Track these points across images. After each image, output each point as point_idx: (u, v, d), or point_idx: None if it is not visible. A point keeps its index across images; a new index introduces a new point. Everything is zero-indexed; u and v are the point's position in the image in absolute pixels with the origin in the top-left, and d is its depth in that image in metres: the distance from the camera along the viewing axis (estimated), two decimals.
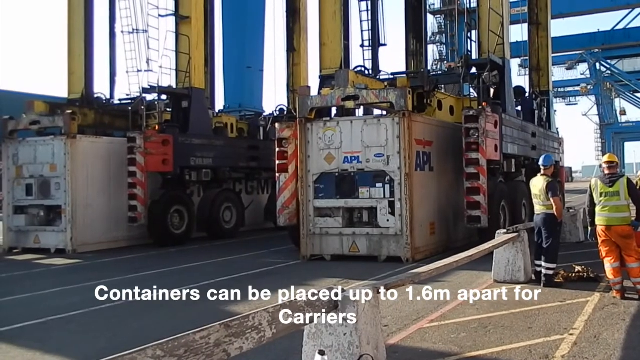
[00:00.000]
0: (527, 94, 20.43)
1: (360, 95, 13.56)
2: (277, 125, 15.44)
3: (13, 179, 17.39)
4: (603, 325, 7.28)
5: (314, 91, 15.47)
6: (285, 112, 23.06)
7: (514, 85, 18.22)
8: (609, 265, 8.88)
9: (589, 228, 9.41)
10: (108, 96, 21.20)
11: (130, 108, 19.28)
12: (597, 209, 8.97)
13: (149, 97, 19.05)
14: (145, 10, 20.46)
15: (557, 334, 6.94)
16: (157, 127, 17.84)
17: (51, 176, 16.70)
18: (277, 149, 14.93)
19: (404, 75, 16.49)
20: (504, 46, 15.95)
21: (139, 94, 19.56)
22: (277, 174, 15.00)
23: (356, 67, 17.26)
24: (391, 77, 16.91)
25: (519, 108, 18.49)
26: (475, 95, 16.19)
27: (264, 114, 25.73)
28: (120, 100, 21.10)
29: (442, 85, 18.09)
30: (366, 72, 17.37)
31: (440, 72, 24.27)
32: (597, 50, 66.95)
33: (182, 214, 18.33)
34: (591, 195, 9.15)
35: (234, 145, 20.94)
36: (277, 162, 14.94)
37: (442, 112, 15.95)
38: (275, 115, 23.66)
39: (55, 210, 16.79)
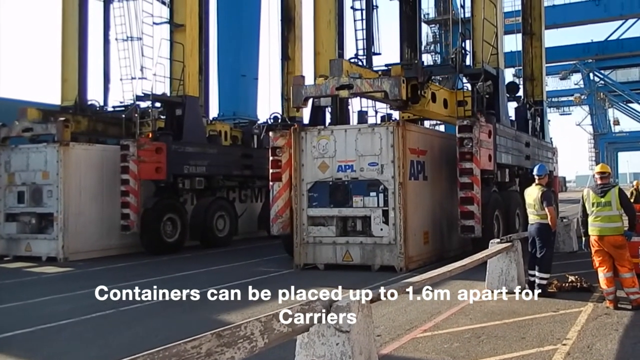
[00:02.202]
0: (519, 89, 20.41)
1: (354, 84, 13.39)
2: (271, 133, 15.40)
3: (5, 186, 17.29)
4: (596, 336, 7.27)
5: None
6: (280, 120, 23.04)
7: (507, 82, 18.16)
8: (602, 275, 8.88)
9: (583, 238, 9.41)
10: (101, 103, 21.14)
11: (123, 116, 19.21)
12: (590, 219, 8.99)
13: (143, 104, 19.01)
14: (139, 17, 20.47)
15: (551, 344, 6.92)
16: (150, 135, 17.80)
17: (43, 183, 16.61)
18: (270, 158, 14.90)
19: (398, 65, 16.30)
20: (498, 56, 16.01)
21: (132, 102, 19.52)
22: (270, 183, 14.96)
23: (351, 59, 17.15)
24: (385, 68, 16.81)
25: (514, 111, 18.41)
26: (469, 88, 16.07)
27: (258, 122, 25.70)
28: (113, 107, 21.04)
29: (439, 80, 17.93)
30: (360, 63, 17.22)
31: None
32: (590, 61, 67.42)
33: (175, 222, 18.26)
34: (583, 206, 9.16)
35: (228, 153, 20.90)
36: (270, 170, 14.90)
37: (436, 104, 15.72)
38: (270, 123, 23.65)
39: (47, 218, 16.69)
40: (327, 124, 15.54)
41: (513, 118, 18.94)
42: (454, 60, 15.94)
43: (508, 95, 17.61)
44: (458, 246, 15.07)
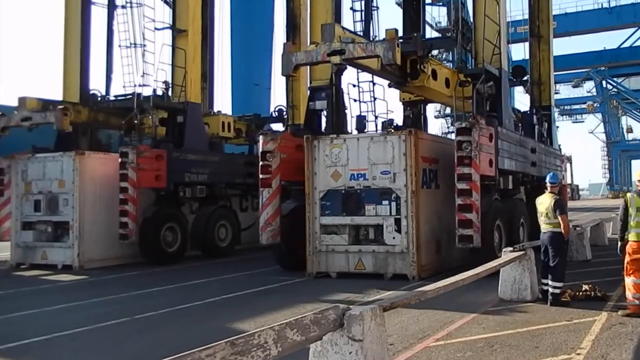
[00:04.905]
0: (526, 72, 19.84)
1: (346, 49, 12.68)
2: (260, 137, 14.99)
3: (22, 194, 17.43)
4: (610, 345, 7.22)
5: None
6: (285, 114, 22.73)
7: (513, 65, 17.45)
8: (631, 279, 8.67)
9: (619, 242, 9.13)
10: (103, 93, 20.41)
11: (123, 122, 18.52)
12: (632, 223, 8.75)
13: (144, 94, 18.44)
14: (142, 23, 20.25)
15: (564, 354, 6.89)
16: (151, 130, 17.50)
17: (59, 192, 16.72)
18: (260, 163, 14.57)
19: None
20: (501, 56, 15.23)
21: (133, 102, 18.91)
22: (260, 189, 14.58)
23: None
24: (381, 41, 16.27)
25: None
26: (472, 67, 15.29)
27: (263, 122, 25.15)
28: (115, 96, 20.16)
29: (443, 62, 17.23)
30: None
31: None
32: (603, 68, 67.22)
33: (175, 231, 17.87)
34: (626, 209, 8.89)
35: (230, 161, 20.56)
36: (260, 176, 14.56)
37: (437, 82, 14.91)
38: (274, 116, 23.26)
39: (63, 226, 16.79)
40: (322, 128, 15.32)
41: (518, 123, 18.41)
42: (455, 31, 15.43)
43: (514, 79, 17.02)
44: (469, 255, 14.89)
